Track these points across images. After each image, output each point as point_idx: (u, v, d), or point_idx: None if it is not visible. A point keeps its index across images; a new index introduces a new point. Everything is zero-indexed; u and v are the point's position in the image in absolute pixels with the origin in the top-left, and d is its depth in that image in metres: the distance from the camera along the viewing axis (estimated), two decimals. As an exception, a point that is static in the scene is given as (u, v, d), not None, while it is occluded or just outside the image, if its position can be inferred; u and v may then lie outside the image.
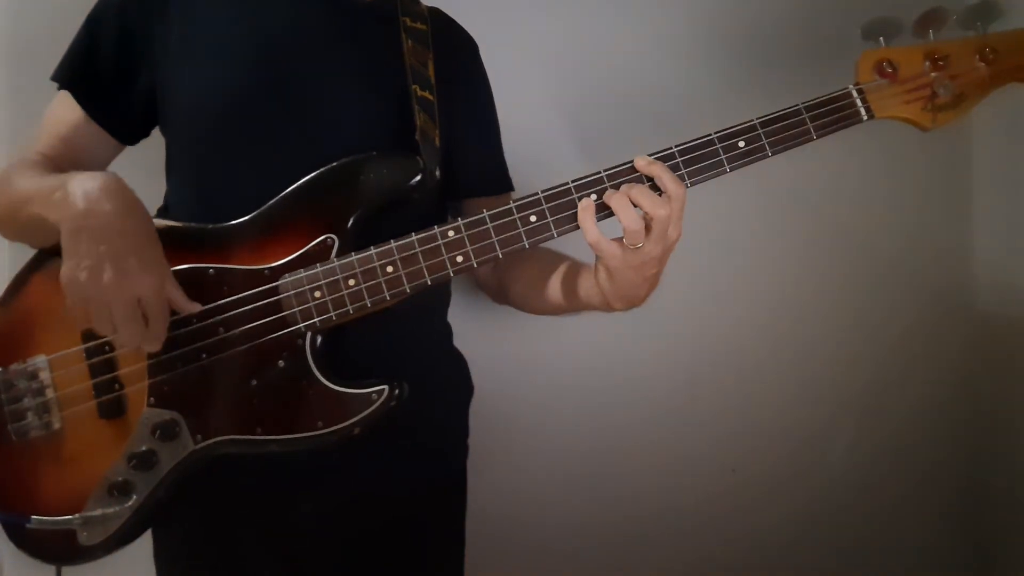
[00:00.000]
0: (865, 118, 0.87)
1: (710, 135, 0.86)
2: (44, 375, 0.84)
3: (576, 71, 1.33)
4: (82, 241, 0.76)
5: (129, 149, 0.98)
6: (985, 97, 0.87)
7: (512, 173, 1.09)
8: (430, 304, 1.00)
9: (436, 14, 1.03)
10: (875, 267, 1.45)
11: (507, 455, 1.30)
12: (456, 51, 1.03)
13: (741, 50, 1.36)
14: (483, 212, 0.85)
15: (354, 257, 0.85)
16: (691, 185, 0.86)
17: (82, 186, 0.77)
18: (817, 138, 0.86)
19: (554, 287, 0.95)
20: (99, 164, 0.95)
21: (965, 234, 1.49)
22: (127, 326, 0.77)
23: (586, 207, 0.82)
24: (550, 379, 1.35)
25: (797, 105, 0.87)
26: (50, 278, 0.86)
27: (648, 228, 0.80)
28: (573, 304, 0.93)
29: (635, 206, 0.81)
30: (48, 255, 0.87)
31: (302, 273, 0.84)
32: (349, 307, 0.84)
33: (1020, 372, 1.42)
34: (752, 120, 0.86)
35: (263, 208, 0.87)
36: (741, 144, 0.86)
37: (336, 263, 0.84)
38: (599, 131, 1.30)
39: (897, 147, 1.40)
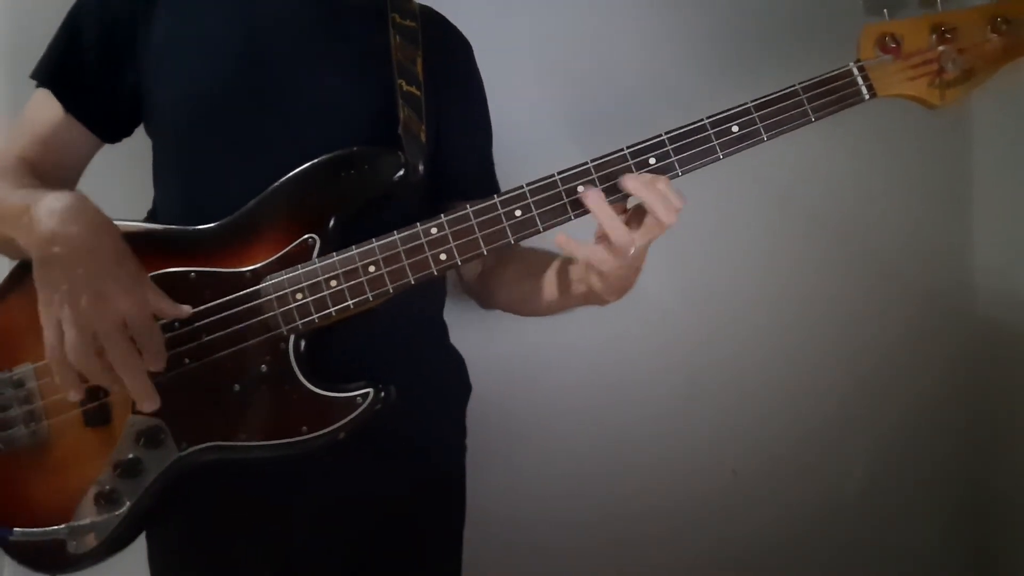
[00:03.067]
0: (867, 97, 0.83)
1: (702, 120, 0.82)
2: (30, 383, 0.84)
3: (567, 61, 1.30)
4: (53, 269, 0.74)
5: (119, 154, 0.97)
6: (997, 71, 0.81)
7: (504, 170, 1.06)
8: (423, 303, 0.98)
9: (427, 12, 1.01)
10: (874, 268, 1.42)
11: (505, 455, 1.29)
12: (447, 50, 1.01)
13: (737, 33, 1.32)
14: (467, 208, 0.82)
15: (336, 258, 0.83)
16: (683, 173, 0.82)
17: (47, 208, 0.75)
18: (815, 120, 0.82)
19: (546, 287, 0.93)
20: (81, 163, 0.94)
21: (965, 236, 1.46)
22: (117, 350, 0.75)
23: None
24: (549, 378, 1.33)
25: (794, 86, 0.82)
26: (34, 286, 0.86)
27: (632, 224, 0.78)
28: (567, 303, 0.91)
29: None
30: (31, 265, 0.87)
31: (283, 275, 0.83)
32: (331, 309, 0.82)
33: (1020, 375, 1.39)
34: (746, 103, 0.82)
35: (244, 208, 0.85)
36: (735, 129, 0.82)
37: (317, 264, 0.83)
38: (591, 122, 1.27)
39: (896, 147, 1.38)
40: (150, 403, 0.78)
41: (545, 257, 0.95)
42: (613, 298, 0.85)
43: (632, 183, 0.79)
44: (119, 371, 0.76)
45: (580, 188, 0.81)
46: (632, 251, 0.77)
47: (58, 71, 0.90)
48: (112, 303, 0.74)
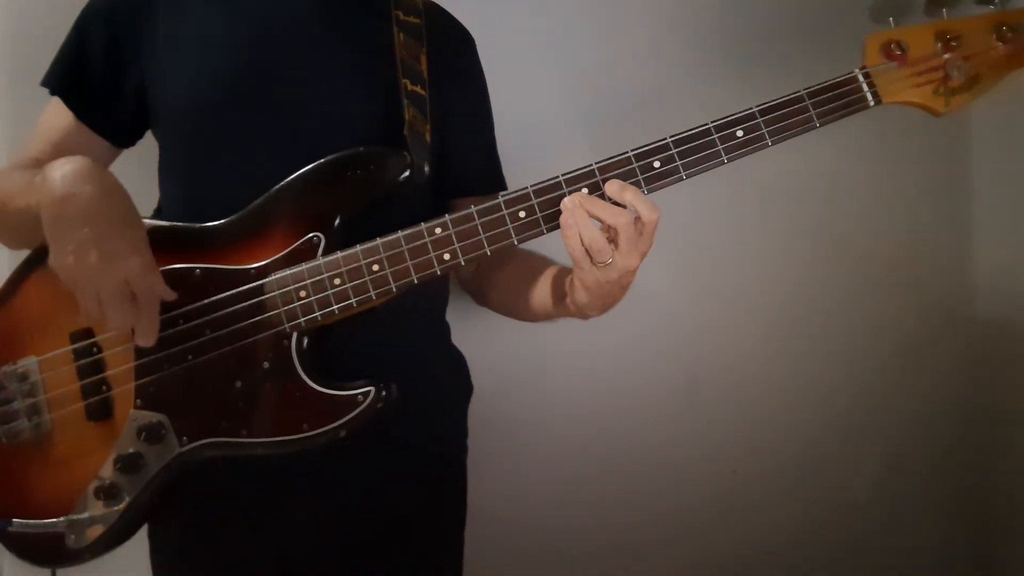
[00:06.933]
0: (872, 103, 0.83)
1: (706, 124, 0.82)
2: (34, 377, 0.84)
3: (574, 64, 1.31)
4: (64, 225, 0.75)
5: (125, 154, 0.98)
6: (1002, 79, 0.81)
7: (509, 170, 1.06)
8: (426, 302, 0.98)
9: (431, 8, 1.01)
10: (875, 271, 1.43)
11: (506, 456, 1.29)
12: (451, 47, 1.01)
13: (744, 37, 1.33)
14: (471, 208, 0.83)
15: (339, 255, 0.83)
16: (687, 177, 0.83)
17: (59, 170, 0.77)
18: (820, 125, 0.82)
19: (535, 295, 0.93)
20: None
21: (965, 240, 1.46)
22: (115, 309, 0.76)
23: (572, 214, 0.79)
24: (551, 379, 1.34)
25: (799, 91, 0.83)
26: (41, 280, 0.87)
27: (615, 241, 0.78)
28: (553, 312, 0.91)
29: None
30: (39, 257, 0.87)
31: (287, 272, 0.83)
32: (334, 307, 0.83)
33: (1020, 377, 1.39)
34: (751, 108, 0.82)
35: (250, 207, 0.85)
36: (739, 133, 0.82)
37: (321, 262, 0.83)
38: (596, 125, 1.28)
39: (896, 150, 1.38)
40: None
41: (540, 263, 0.95)
42: (595, 313, 0.85)
43: (611, 187, 0.80)
44: (111, 326, 0.78)
45: (584, 190, 0.82)
46: (609, 260, 0.78)
47: (67, 79, 0.91)
48: (118, 263, 0.75)
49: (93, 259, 0.74)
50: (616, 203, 0.80)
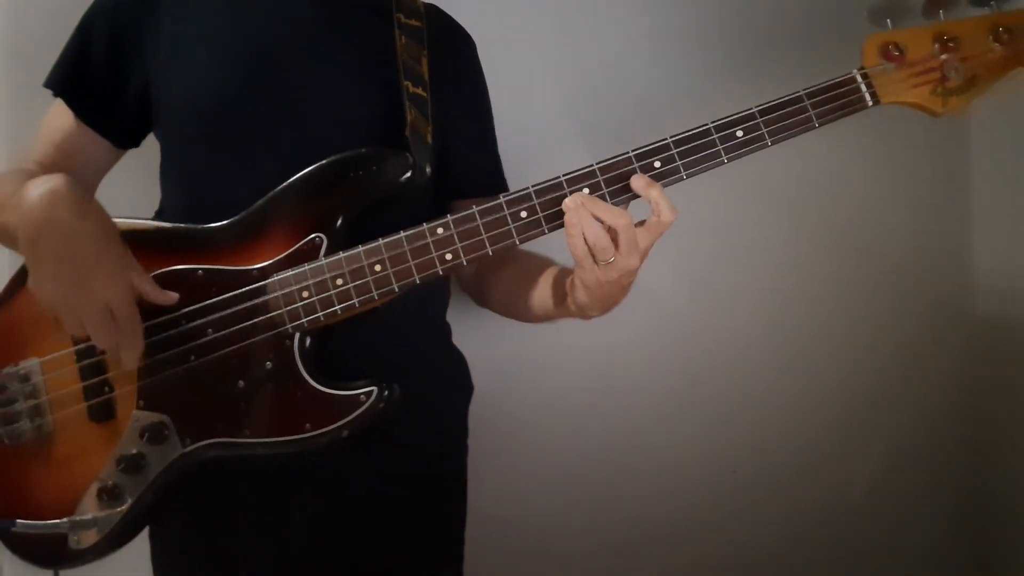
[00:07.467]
0: (871, 104, 0.84)
1: (707, 124, 0.83)
2: (36, 378, 0.84)
3: (575, 65, 1.31)
4: (40, 248, 0.76)
5: (127, 156, 0.98)
6: (999, 80, 0.82)
7: (511, 171, 1.06)
8: (427, 303, 0.98)
9: (432, 11, 1.02)
10: (876, 269, 1.43)
11: (507, 456, 1.29)
12: (452, 49, 1.01)
13: (744, 39, 1.34)
14: (472, 208, 0.83)
15: (342, 256, 0.83)
16: (687, 177, 0.83)
17: (36, 190, 0.77)
18: (819, 126, 0.83)
19: (535, 295, 0.93)
20: (96, 170, 0.96)
21: (965, 237, 1.47)
22: (100, 332, 0.77)
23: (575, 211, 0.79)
24: (551, 379, 1.34)
25: (798, 92, 0.83)
26: None
27: (615, 242, 0.78)
28: (554, 313, 0.91)
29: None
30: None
31: (289, 273, 0.83)
32: (337, 307, 0.83)
33: (1020, 377, 1.40)
34: (751, 108, 0.83)
35: (252, 208, 0.86)
36: (739, 134, 0.83)
37: (324, 262, 0.83)
38: (597, 125, 1.28)
39: (897, 150, 1.39)
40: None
41: (540, 264, 0.95)
42: (596, 313, 0.85)
43: (638, 182, 0.81)
44: (102, 348, 0.80)
45: (585, 190, 0.82)
46: (611, 259, 0.78)
47: (69, 80, 0.92)
48: (96, 287, 0.76)
49: (71, 283, 0.75)
50: (633, 198, 0.81)
